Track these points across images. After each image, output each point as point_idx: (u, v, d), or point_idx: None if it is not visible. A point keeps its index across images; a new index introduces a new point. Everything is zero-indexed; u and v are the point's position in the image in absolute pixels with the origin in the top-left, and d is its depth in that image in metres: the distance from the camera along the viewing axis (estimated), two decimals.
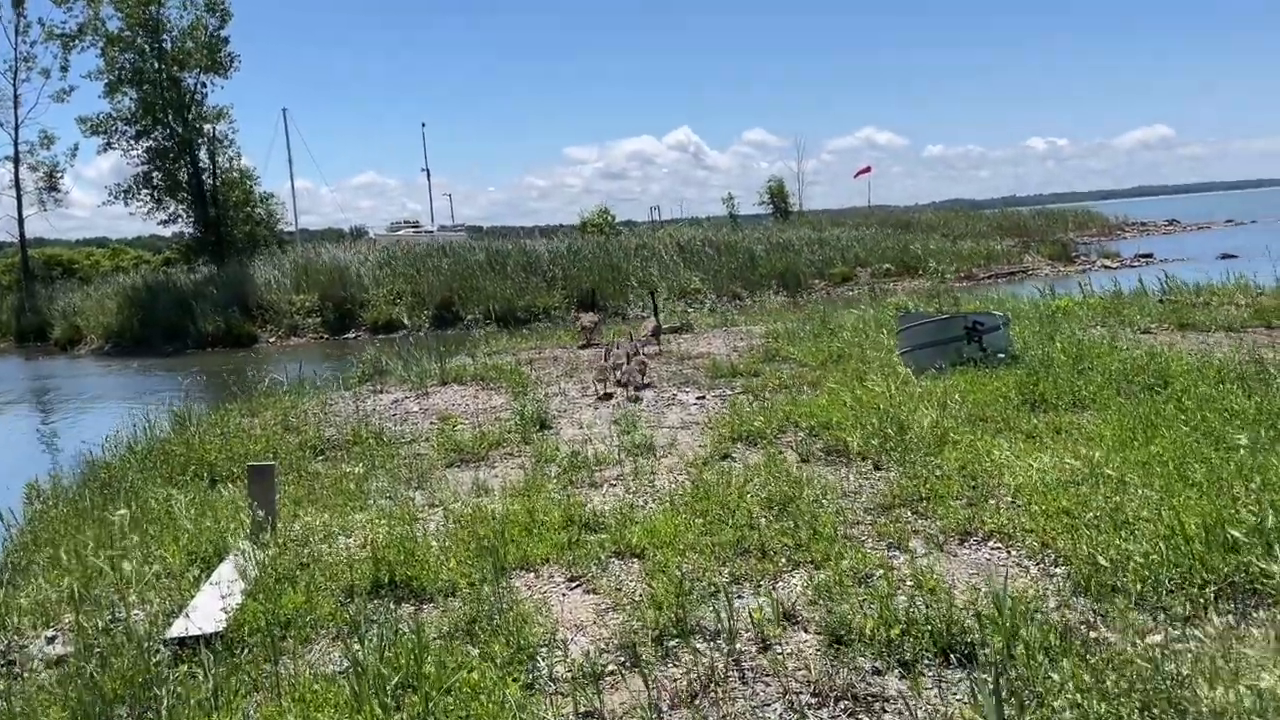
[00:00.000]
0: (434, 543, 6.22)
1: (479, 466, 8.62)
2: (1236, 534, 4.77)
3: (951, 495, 6.21)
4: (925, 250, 41.41)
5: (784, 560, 5.48)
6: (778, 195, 64.37)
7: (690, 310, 21.57)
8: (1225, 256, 39.61)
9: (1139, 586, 4.58)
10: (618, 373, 11.72)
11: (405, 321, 30.33)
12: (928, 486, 6.35)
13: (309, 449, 9.49)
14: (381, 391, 12.59)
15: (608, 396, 11.28)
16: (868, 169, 74.70)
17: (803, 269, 39.92)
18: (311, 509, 7.50)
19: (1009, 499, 6.08)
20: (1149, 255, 44.20)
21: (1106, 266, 41.14)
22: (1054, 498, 5.79)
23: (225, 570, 5.98)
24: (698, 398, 10.80)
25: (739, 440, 8.45)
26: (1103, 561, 4.78)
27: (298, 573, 5.90)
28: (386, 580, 5.62)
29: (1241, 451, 5.80)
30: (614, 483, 7.61)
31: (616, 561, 5.81)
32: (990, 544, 5.53)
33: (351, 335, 36.63)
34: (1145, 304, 14.10)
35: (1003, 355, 10.31)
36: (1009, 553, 5.38)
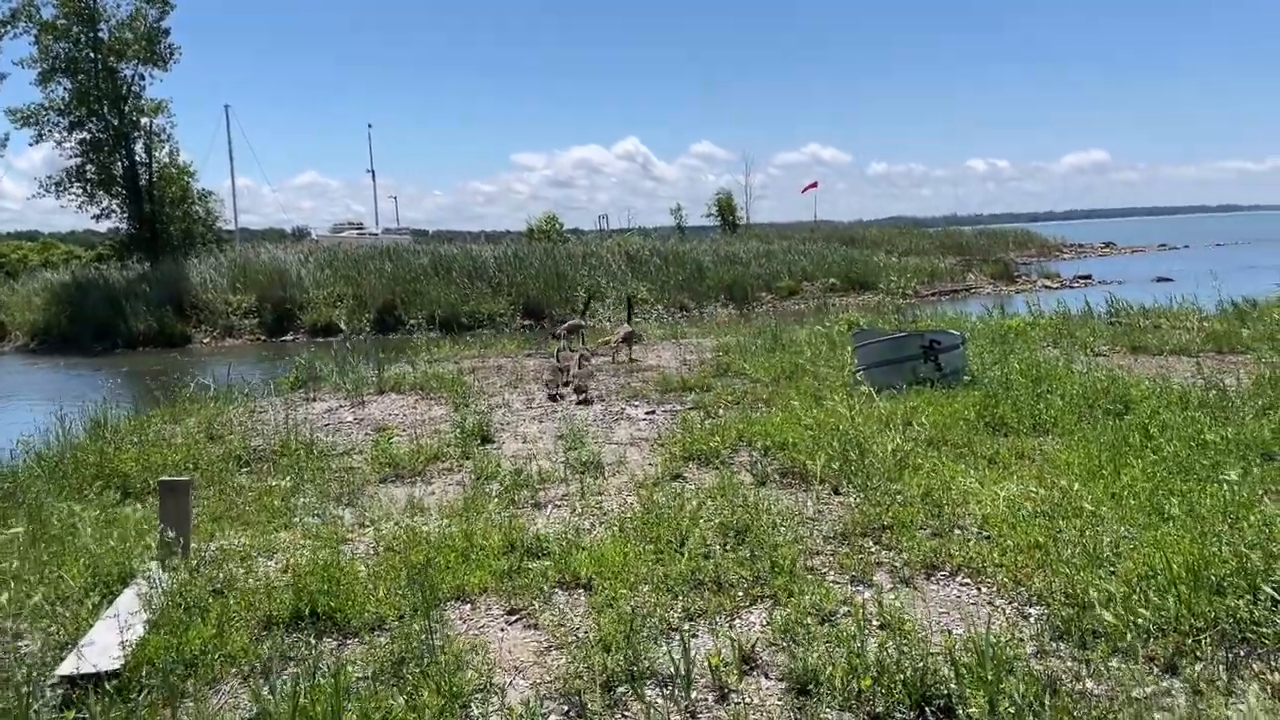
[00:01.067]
0: (362, 568, 5.73)
1: (415, 482, 8.12)
2: (1222, 576, 4.49)
3: (916, 524, 5.89)
4: (886, 265, 41.62)
5: (741, 594, 5.10)
6: (726, 208, 64.47)
7: (639, 320, 21.20)
8: (1161, 280, 40.43)
9: (1121, 631, 4.27)
10: (567, 375, 11.89)
11: (343, 325, 29.48)
12: (890, 514, 6.02)
13: (233, 460, 8.89)
14: (315, 399, 11.99)
15: (558, 398, 11.42)
16: (814, 184, 75.37)
17: (750, 282, 39.84)
18: (232, 527, 6.95)
19: (976, 529, 5.78)
20: (1088, 276, 44.92)
21: (1047, 286, 41.71)
22: (1024, 530, 5.49)
23: (126, 599, 5.42)
24: (647, 412, 10.42)
25: (691, 459, 8.07)
26: (1081, 603, 4.47)
27: (210, 601, 5.37)
28: (308, 611, 5.12)
29: (1224, 486, 5.54)
30: (559, 503, 7.18)
31: (561, 593, 5.38)
32: (959, 579, 5.21)
33: (290, 338, 35.68)
34: (1096, 326, 14.04)
35: (959, 375, 10.09)
36: (979, 589, 5.06)
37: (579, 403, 11.02)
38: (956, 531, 5.78)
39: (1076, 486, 6.05)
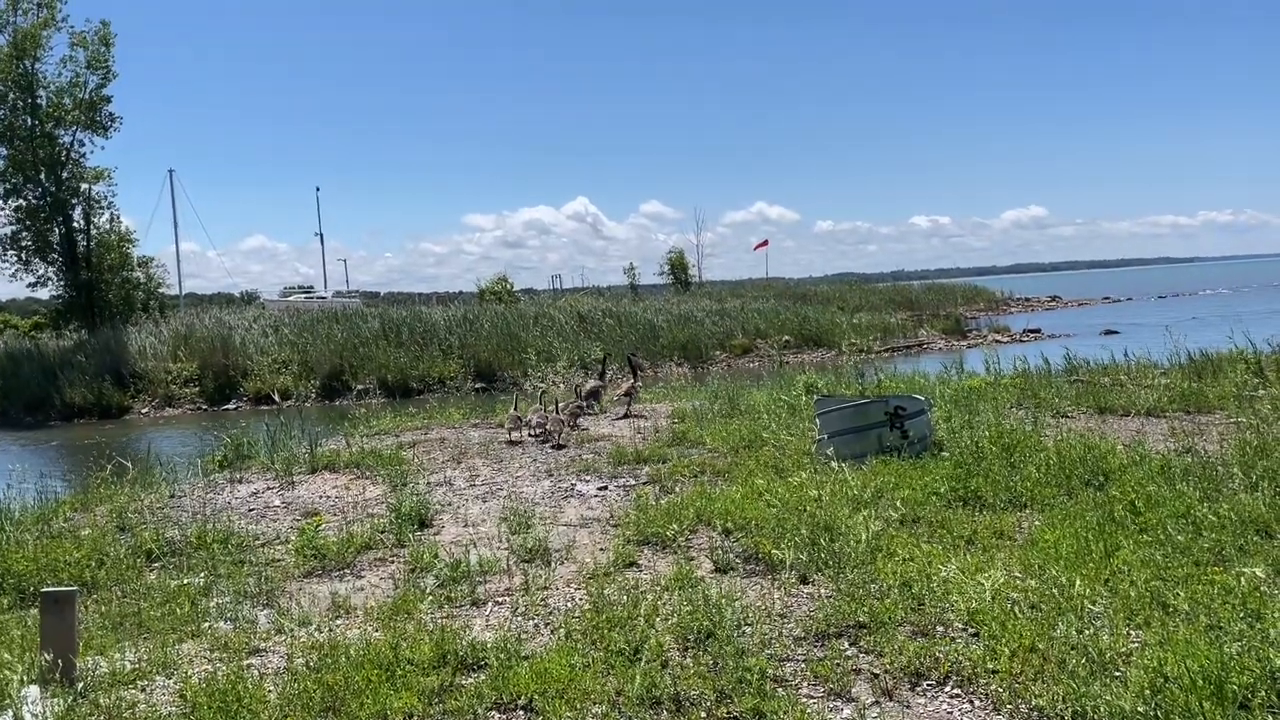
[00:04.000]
0: (271, 691, 5.01)
1: (343, 576, 7.39)
2: (1245, 685, 3.96)
3: (895, 621, 5.30)
4: (844, 325, 41.57)
5: (704, 715, 4.46)
6: (678, 266, 64.47)
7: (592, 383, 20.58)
8: (1108, 332, 40.82)
9: None
10: (533, 428, 12.64)
11: (275, 395, 28.44)
12: (867, 609, 5.43)
13: (143, 555, 8.09)
14: (242, 480, 11.16)
15: (515, 444, 12.26)
16: (765, 243, 76.06)
17: (704, 340, 39.55)
18: (131, 637, 6.18)
19: (962, 626, 5.21)
20: (1037, 330, 45.23)
21: (998, 341, 41.86)
22: (1015, 628, 4.93)
23: None
24: (599, 488, 9.77)
25: (646, 543, 7.44)
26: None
27: None
28: None
29: (1243, 580, 5.03)
30: (500, 599, 6.50)
31: (497, 716, 4.70)
32: (949, 689, 4.62)
33: (232, 406, 34.58)
34: (1059, 385, 13.70)
35: (926, 443, 9.60)
36: (972, 702, 4.47)
37: (553, 447, 11.96)
38: (940, 629, 5.21)
39: (1066, 574, 5.51)
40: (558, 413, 12.78)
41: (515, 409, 12.99)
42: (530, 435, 12.62)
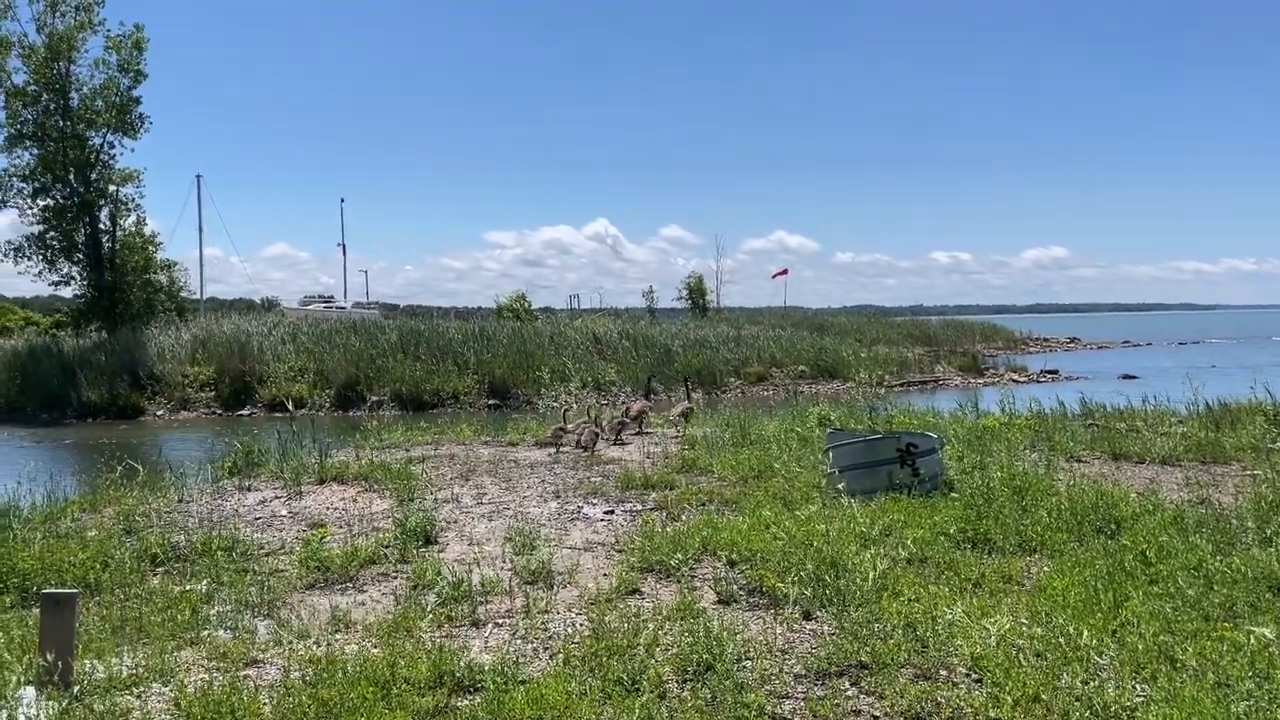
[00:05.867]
0: (265, 703, 4.99)
1: (345, 590, 7.38)
2: None
3: (898, 663, 5.23)
4: (855, 359, 41.37)
5: None
6: (696, 291, 64.54)
7: (604, 405, 20.61)
8: (1127, 377, 40.58)
9: None
10: (577, 435, 13.46)
11: (289, 403, 28.42)
12: (870, 649, 5.37)
13: (148, 559, 8.10)
14: (250, 488, 11.18)
15: (557, 451, 13.26)
16: (785, 271, 76.01)
17: (719, 366, 39.47)
18: (130, 642, 6.17)
19: (965, 671, 5.14)
20: (1055, 371, 44.92)
21: (1015, 380, 41.53)
22: (1019, 675, 4.86)
23: None
24: (605, 512, 9.74)
25: (650, 571, 7.40)
26: None
27: None
28: None
29: (1253, 638, 4.95)
30: (500, 621, 6.47)
31: None
32: None
33: (246, 412, 34.68)
34: (1073, 428, 13.58)
35: (936, 482, 9.52)
36: None
37: (583, 452, 13.00)
38: (944, 673, 5.14)
39: (1073, 622, 5.44)
40: (596, 426, 13.79)
41: (564, 421, 14.05)
42: (572, 447, 13.37)
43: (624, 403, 17.37)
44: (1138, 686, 4.78)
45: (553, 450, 13.37)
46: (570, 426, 13.91)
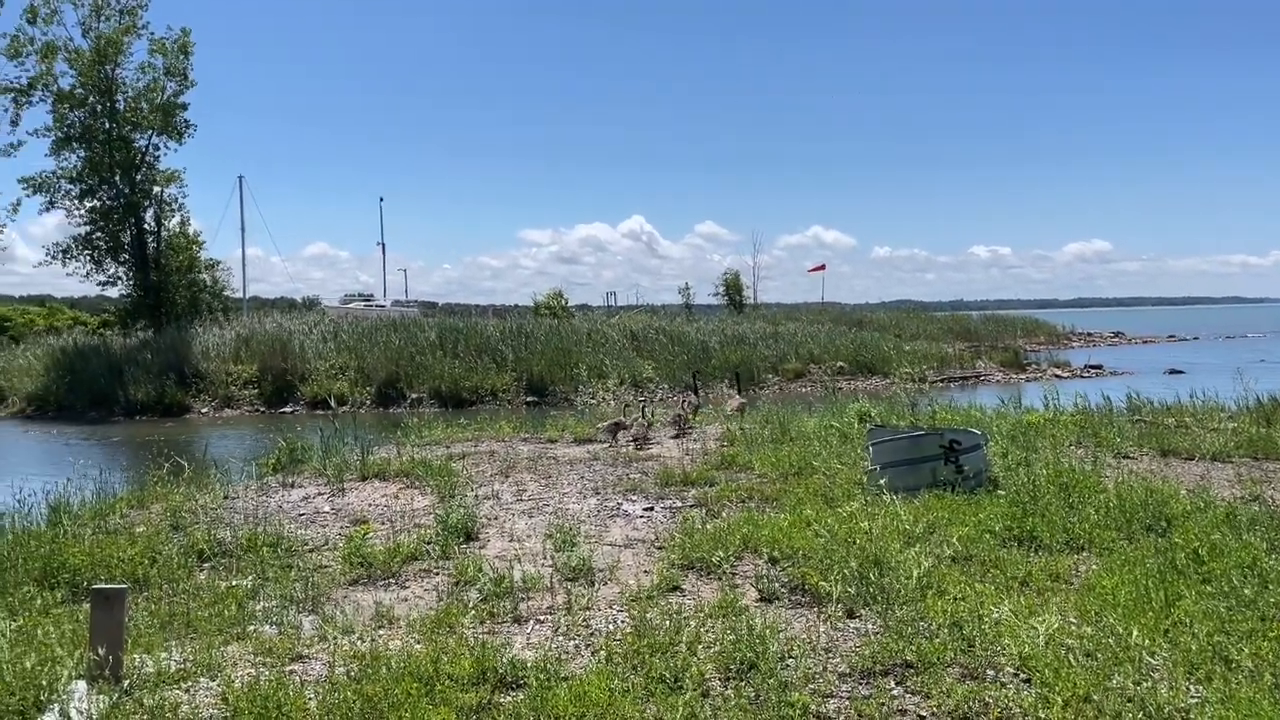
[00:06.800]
0: (311, 698, 5.03)
1: (388, 585, 7.43)
2: None
3: (944, 662, 5.17)
4: (896, 354, 41.03)
5: None
6: (733, 288, 64.35)
7: (643, 402, 20.58)
8: (1173, 372, 39.82)
9: None
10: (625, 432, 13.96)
11: (332, 401, 28.72)
12: (915, 648, 5.31)
13: (194, 554, 8.21)
14: (294, 485, 11.30)
15: (613, 433, 13.95)
16: (822, 266, 75.37)
17: (757, 363, 39.29)
18: (178, 636, 6.25)
19: (1013, 671, 5.06)
20: (1099, 366, 44.25)
21: (1058, 376, 41.01)
22: (1069, 675, 4.78)
23: None
24: (645, 509, 9.73)
25: (690, 568, 7.37)
26: None
27: None
28: None
29: None
30: (542, 618, 6.47)
31: None
32: None
33: (289, 409, 35.07)
34: (1120, 424, 13.35)
35: (981, 479, 9.40)
36: None
37: (637, 447, 13.49)
38: (991, 673, 5.06)
39: (1124, 624, 5.33)
40: (643, 419, 14.57)
41: (624, 415, 14.83)
42: (627, 441, 13.80)
43: (676, 399, 18.01)
44: (1192, 688, 4.69)
45: (610, 443, 13.80)
46: (628, 421, 14.42)
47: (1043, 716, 4.49)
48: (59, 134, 43.30)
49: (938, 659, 5.18)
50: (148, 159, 44.78)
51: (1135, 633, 5.20)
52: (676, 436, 14.57)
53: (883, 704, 4.78)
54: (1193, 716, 4.31)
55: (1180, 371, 39.15)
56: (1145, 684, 4.66)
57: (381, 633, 6.22)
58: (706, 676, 5.13)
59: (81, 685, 5.34)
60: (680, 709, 4.67)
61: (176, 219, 47.12)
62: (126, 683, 5.39)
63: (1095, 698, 4.54)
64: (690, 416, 15.76)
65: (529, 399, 34.71)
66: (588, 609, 6.54)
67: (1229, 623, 5.36)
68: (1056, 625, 5.44)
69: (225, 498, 10.66)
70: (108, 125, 43.41)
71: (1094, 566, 6.80)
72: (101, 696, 5.18)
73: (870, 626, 5.88)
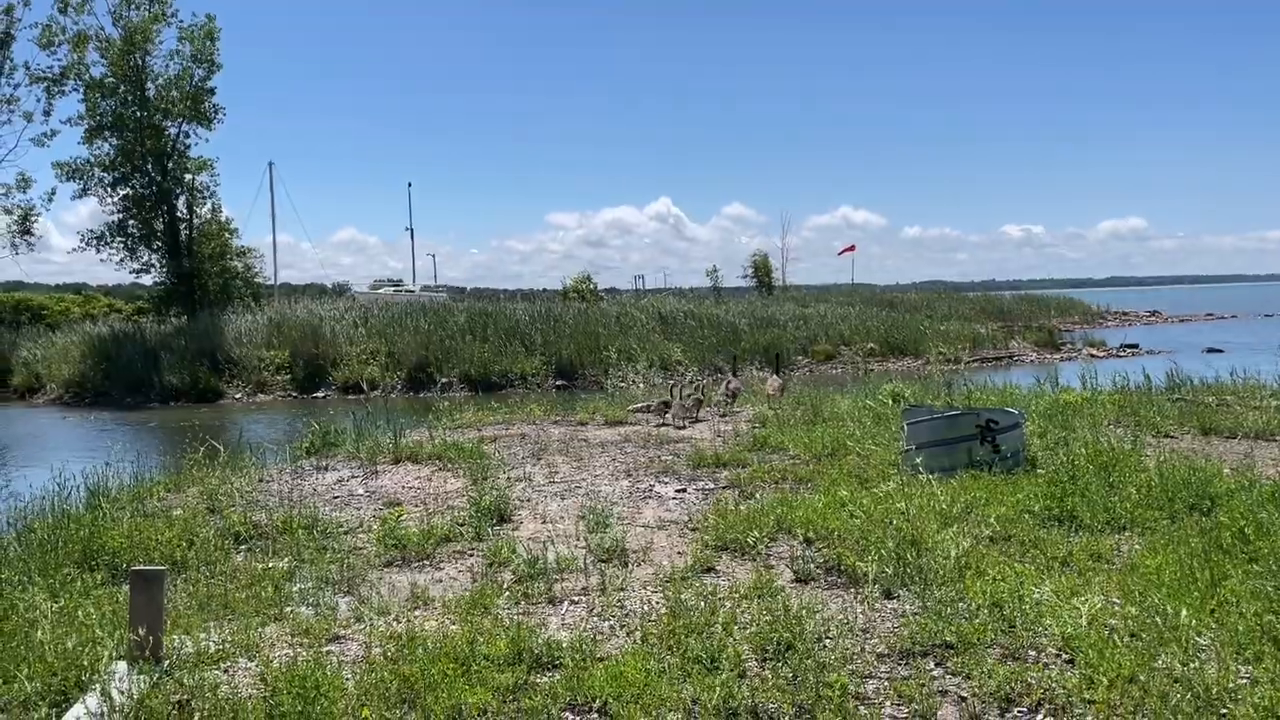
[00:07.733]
0: (348, 678, 5.05)
1: (422, 567, 7.45)
2: None
3: (984, 643, 5.10)
4: (932, 331, 40.66)
5: None
6: (762, 269, 64.03)
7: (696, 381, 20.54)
8: (1211, 350, 39.22)
9: None
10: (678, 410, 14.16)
11: (364, 385, 28.92)
12: (954, 629, 5.24)
13: (231, 537, 8.27)
14: (327, 468, 11.37)
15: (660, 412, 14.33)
16: (851, 247, 74.70)
17: (787, 345, 39.08)
18: (216, 617, 6.30)
19: (1055, 652, 4.98)
20: (1135, 345, 43.63)
21: (1093, 355, 40.51)
22: (1113, 656, 4.69)
23: (76, 712, 4.76)
24: (677, 490, 9.69)
25: (724, 549, 7.33)
26: None
27: (174, 714, 4.70)
28: None
29: None
30: (576, 599, 6.46)
31: (571, 718, 4.65)
32: (1041, 717, 4.41)
33: (321, 394, 35.36)
34: (1159, 403, 13.14)
35: (1018, 458, 9.28)
36: None
37: (678, 427, 13.69)
38: (1033, 654, 4.99)
39: (1169, 604, 5.23)
40: (681, 399, 14.57)
41: (671, 394, 14.78)
42: (674, 420, 14.07)
43: (706, 382, 17.69)
44: (1240, 668, 4.59)
45: (660, 420, 14.10)
46: (684, 394, 14.63)
47: (1088, 697, 4.41)
48: (91, 123, 43.79)
49: (978, 640, 5.11)
50: (178, 147, 45.17)
51: (1181, 613, 5.10)
52: (723, 416, 14.79)
53: (922, 684, 4.72)
54: (1242, 696, 4.22)
55: (1219, 350, 38.55)
56: (1192, 664, 4.57)
57: (417, 614, 6.23)
58: (743, 657, 5.09)
59: (122, 665, 5.39)
60: (717, 689, 4.63)
61: (208, 206, 47.58)
62: (166, 663, 5.43)
63: (1141, 678, 4.46)
64: (730, 402, 15.82)
65: (558, 383, 34.76)
66: (622, 590, 6.52)
67: (1277, 602, 5.24)
68: (1099, 605, 5.36)
69: (260, 481, 10.74)
70: (139, 113, 43.79)
71: (1136, 546, 6.69)
72: (142, 676, 5.22)
73: (908, 607, 5.81)
